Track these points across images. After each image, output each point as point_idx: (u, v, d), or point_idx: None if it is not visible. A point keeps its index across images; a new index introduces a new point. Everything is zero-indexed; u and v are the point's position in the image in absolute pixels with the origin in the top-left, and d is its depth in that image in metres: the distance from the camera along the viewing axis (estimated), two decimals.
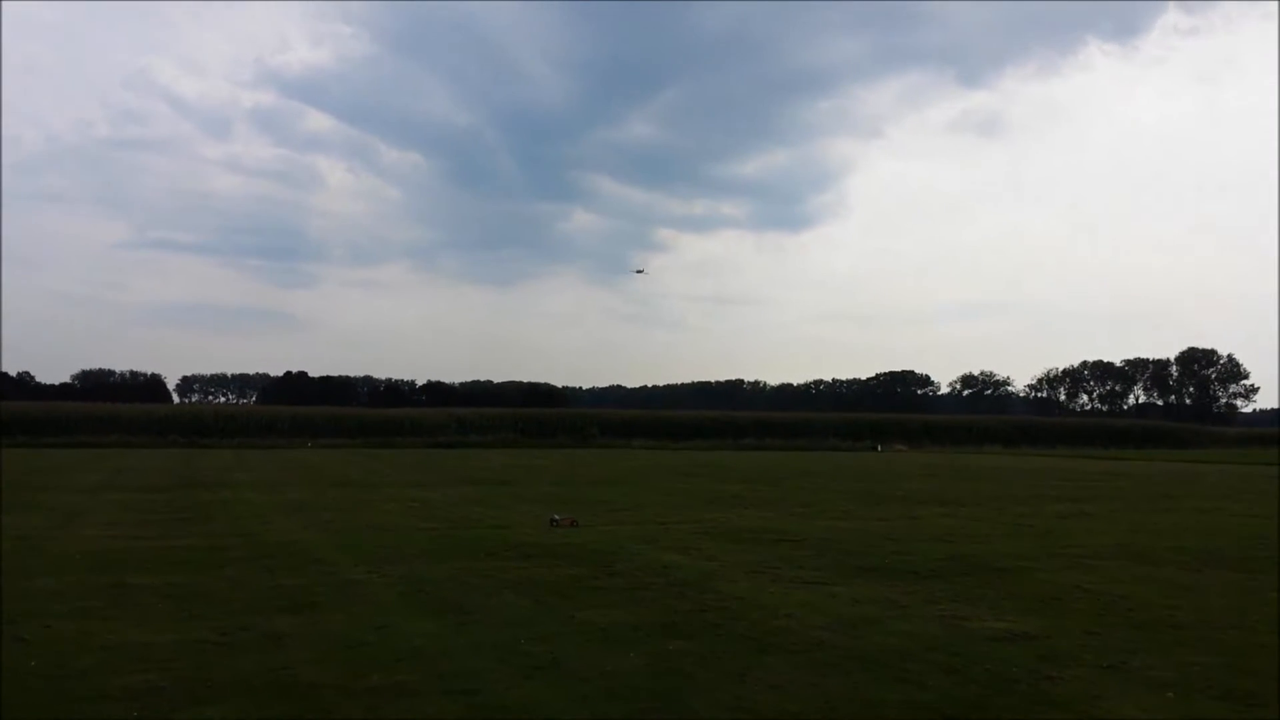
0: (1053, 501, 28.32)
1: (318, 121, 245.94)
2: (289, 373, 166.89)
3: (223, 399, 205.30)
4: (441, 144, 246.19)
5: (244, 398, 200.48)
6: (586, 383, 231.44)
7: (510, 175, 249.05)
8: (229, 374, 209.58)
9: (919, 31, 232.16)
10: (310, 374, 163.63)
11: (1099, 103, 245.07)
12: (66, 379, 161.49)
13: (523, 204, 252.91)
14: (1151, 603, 12.36)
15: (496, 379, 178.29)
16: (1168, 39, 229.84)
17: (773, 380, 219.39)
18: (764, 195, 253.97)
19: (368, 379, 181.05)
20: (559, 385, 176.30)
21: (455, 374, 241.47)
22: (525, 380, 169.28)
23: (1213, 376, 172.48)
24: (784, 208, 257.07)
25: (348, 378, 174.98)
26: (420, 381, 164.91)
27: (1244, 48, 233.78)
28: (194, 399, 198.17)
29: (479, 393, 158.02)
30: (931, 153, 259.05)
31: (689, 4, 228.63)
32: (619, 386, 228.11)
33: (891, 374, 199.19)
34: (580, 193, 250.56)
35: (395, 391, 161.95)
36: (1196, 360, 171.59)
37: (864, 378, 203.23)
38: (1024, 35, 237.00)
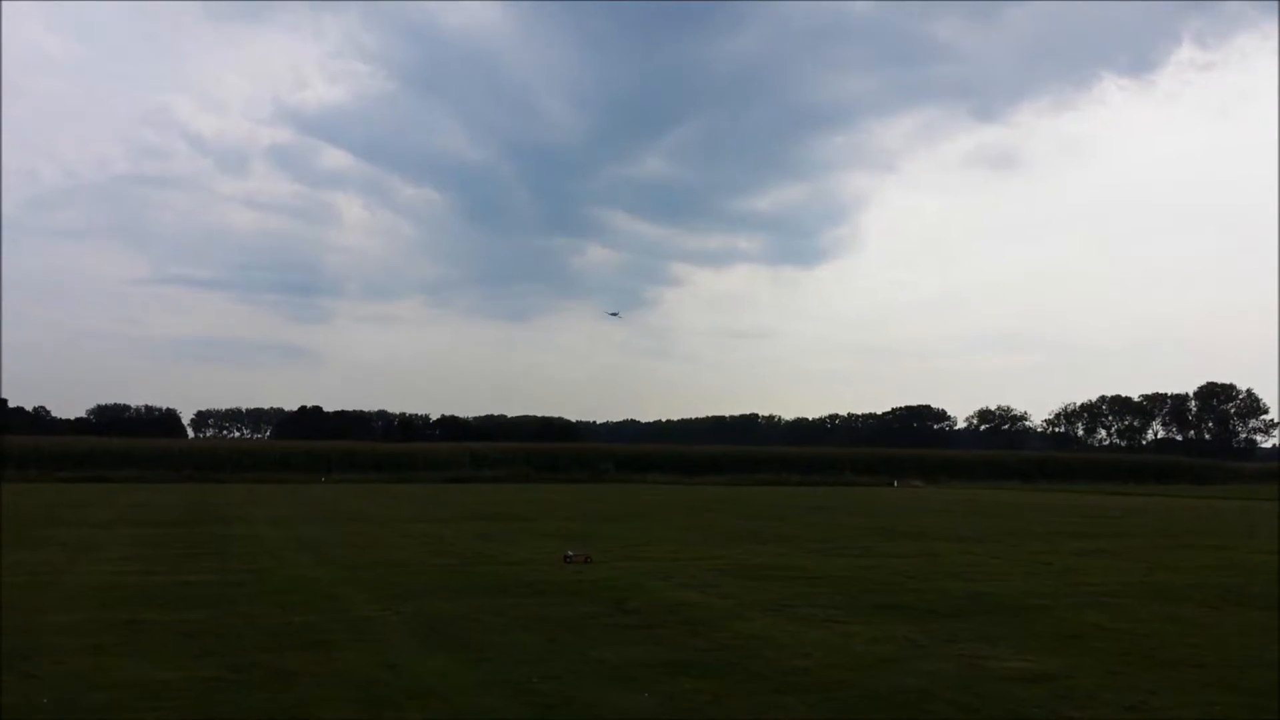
0: (1072, 538, 28.04)
1: (334, 158, 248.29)
2: (304, 407, 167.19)
3: (237, 434, 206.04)
4: (457, 180, 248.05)
5: (258, 432, 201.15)
6: (600, 417, 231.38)
7: (525, 211, 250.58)
8: (244, 408, 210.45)
9: (933, 66, 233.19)
10: (325, 408, 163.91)
11: (1115, 137, 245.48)
12: (82, 414, 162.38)
13: (537, 239, 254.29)
14: (1172, 641, 12.17)
15: (511, 413, 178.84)
16: (1183, 74, 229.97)
17: (788, 414, 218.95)
18: (778, 229, 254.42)
19: (382, 414, 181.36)
20: (573, 420, 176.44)
21: (469, 409, 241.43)
22: (539, 415, 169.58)
23: (1232, 411, 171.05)
24: (799, 242, 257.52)
25: (362, 412, 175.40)
26: (434, 416, 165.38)
27: (1259, 82, 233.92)
28: (208, 433, 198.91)
29: (493, 427, 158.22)
30: (946, 187, 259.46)
31: (702, 41, 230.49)
32: (633, 421, 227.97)
33: (908, 408, 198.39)
34: (594, 228, 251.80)
35: (409, 426, 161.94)
36: (1215, 395, 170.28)
37: (880, 412, 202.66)
38: (1039, 70, 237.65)
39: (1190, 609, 14.84)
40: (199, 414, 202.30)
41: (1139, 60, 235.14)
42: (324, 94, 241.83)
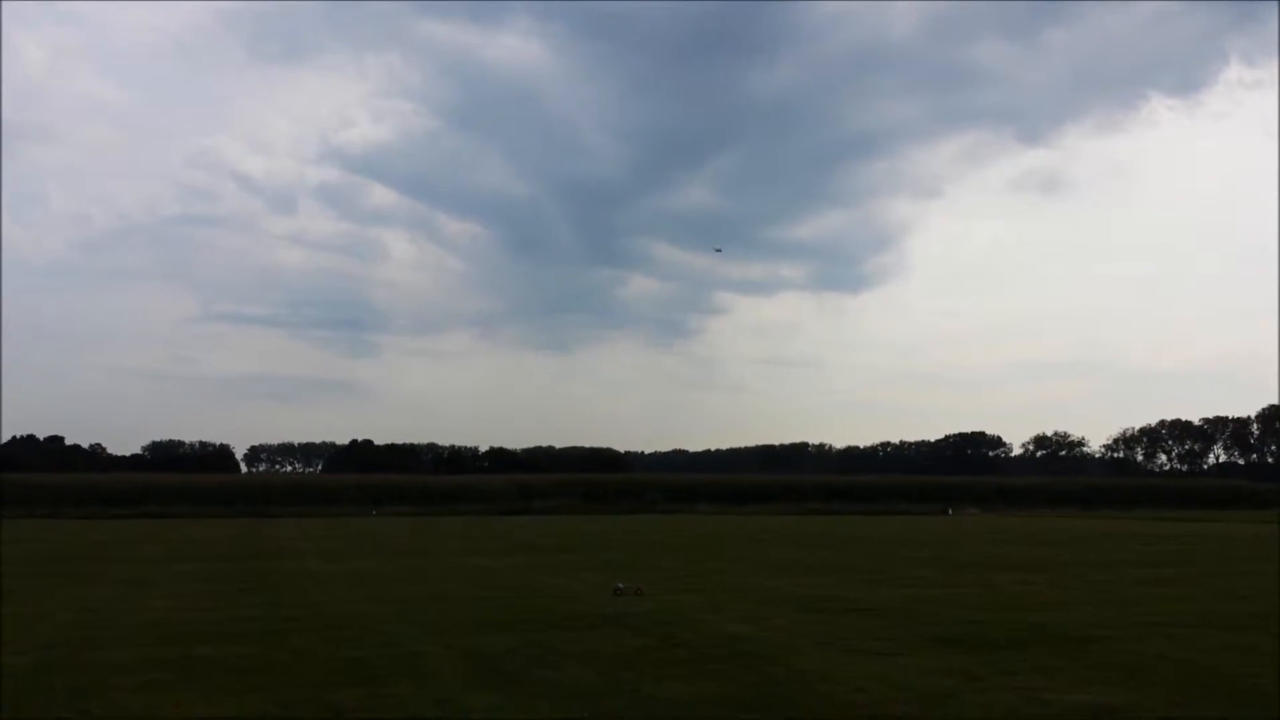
0: (1132, 566, 27.42)
1: (381, 195, 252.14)
2: (354, 441, 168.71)
3: (289, 468, 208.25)
4: (501, 214, 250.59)
5: (310, 466, 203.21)
6: (649, 447, 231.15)
7: (568, 243, 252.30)
8: (295, 443, 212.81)
9: (975, 91, 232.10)
10: (375, 442, 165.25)
11: (1164, 158, 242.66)
12: (137, 450, 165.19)
13: (581, 271, 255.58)
14: (1237, 672, 11.78)
15: (559, 445, 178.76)
16: (1232, 93, 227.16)
17: (838, 443, 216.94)
18: (822, 257, 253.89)
19: (431, 446, 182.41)
20: (621, 450, 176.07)
21: (518, 440, 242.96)
22: (587, 446, 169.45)
23: None
24: (843, 269, 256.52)
25: (412, 445, 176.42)
26: (483, 448, 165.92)
27: None
28: (261, 468, 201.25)
29: (541, 459, 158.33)
30: (993, 212, 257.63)
31: (742, 70, 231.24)
32: (681, 451, 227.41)
33: (961, 435, 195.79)
34: (638, 258, 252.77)
35: (458, 459, 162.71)
36: (1278, 418, 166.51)
37: (933, 440, 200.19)
38: (1084, 92, 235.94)
39: (1254, 637, 14.39)
40: (251, 449, 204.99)
41: (1186, 80, 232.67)
42: (369, 132, 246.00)
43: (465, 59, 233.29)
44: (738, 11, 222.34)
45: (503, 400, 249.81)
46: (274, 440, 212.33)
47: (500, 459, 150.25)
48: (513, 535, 44.02)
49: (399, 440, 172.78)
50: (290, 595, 20.38)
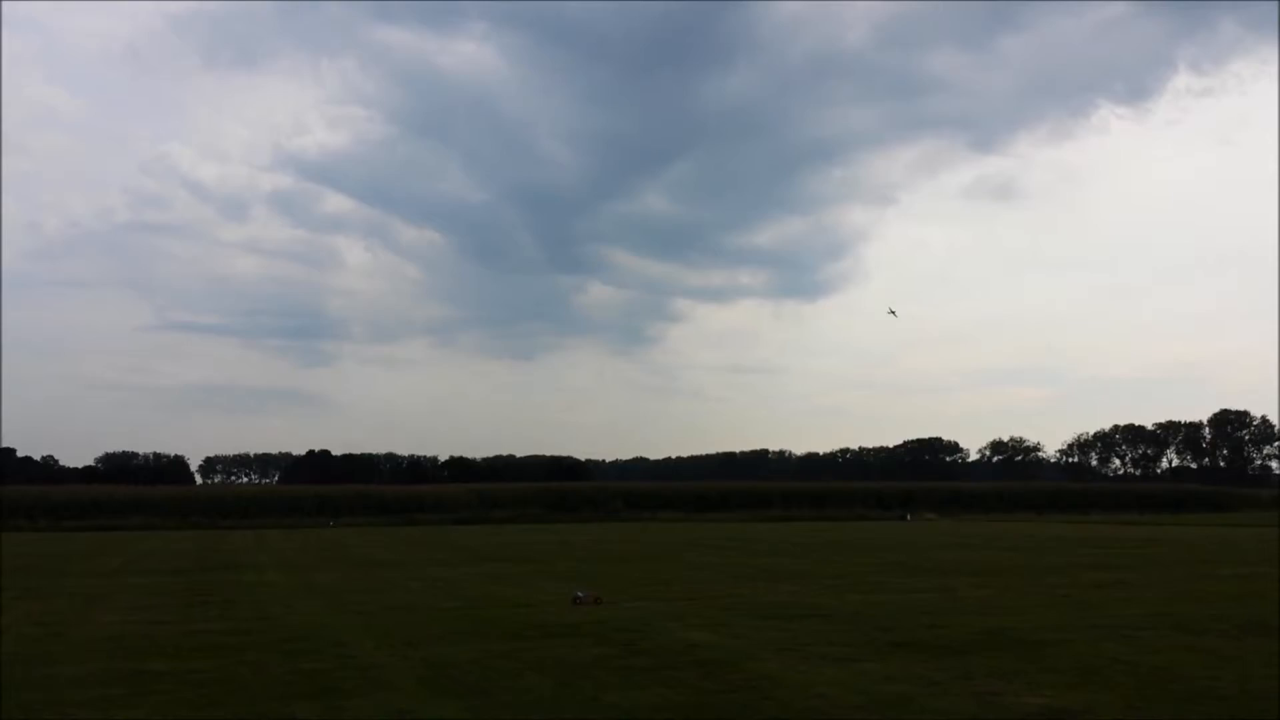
0: (1088, 570, 27.74)
1: (336, 202, 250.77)
2: (311, 451, 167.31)
3: (245, 479, 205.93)
4: (458, 221, 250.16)
5: (266, 477, 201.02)
6: (610, 455, 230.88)
7: (527, 250, 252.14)
8: (251, 454, 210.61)
9: (930, 99, 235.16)
10: (332, 452, 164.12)
11: (1115, 166, 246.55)
12: (90, 462, 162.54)
13: (540, 278, 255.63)
14: (1193, 674, 11.95)
15: (519, 453, 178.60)
16: (1180, 101, 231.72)
17: (798, 450, 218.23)
18: (781, 264, 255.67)
19: (390, 456, 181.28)
20: (582, 458, 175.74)
21: (478, 449, 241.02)
22: (548, 454, 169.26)
23: (1246, 438, 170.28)
24: (801, 276, 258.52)
25: (370, 455, 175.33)
26: (443, 457, 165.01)
27: (1258, 108, 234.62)
28: (216, 480, 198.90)
29: (502, 467, 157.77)
30: (948, 219, 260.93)
31: (699, 78, 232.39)
32: (642, 459, 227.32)
33: (919, 441, 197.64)
34: (597, 265, 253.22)
35: (417, 468, 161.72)
36: (1229, 422, 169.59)
37: (891, 446, 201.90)
38: (1036, 100, 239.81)
39: (1211, 640, 14.60)
40: (207, 460, 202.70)
41: (1135, 88, 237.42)
42: (324, 139, 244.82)
43: (421, 65, 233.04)
44: (694, 19, 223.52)
45: (462, 409, 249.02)
46: (229, 451, 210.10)
47: (460, 468, 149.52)
48: (473, 545, 43.78)
49: (357, 450, 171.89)
50: (247, 608, 20.13)
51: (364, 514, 76.93)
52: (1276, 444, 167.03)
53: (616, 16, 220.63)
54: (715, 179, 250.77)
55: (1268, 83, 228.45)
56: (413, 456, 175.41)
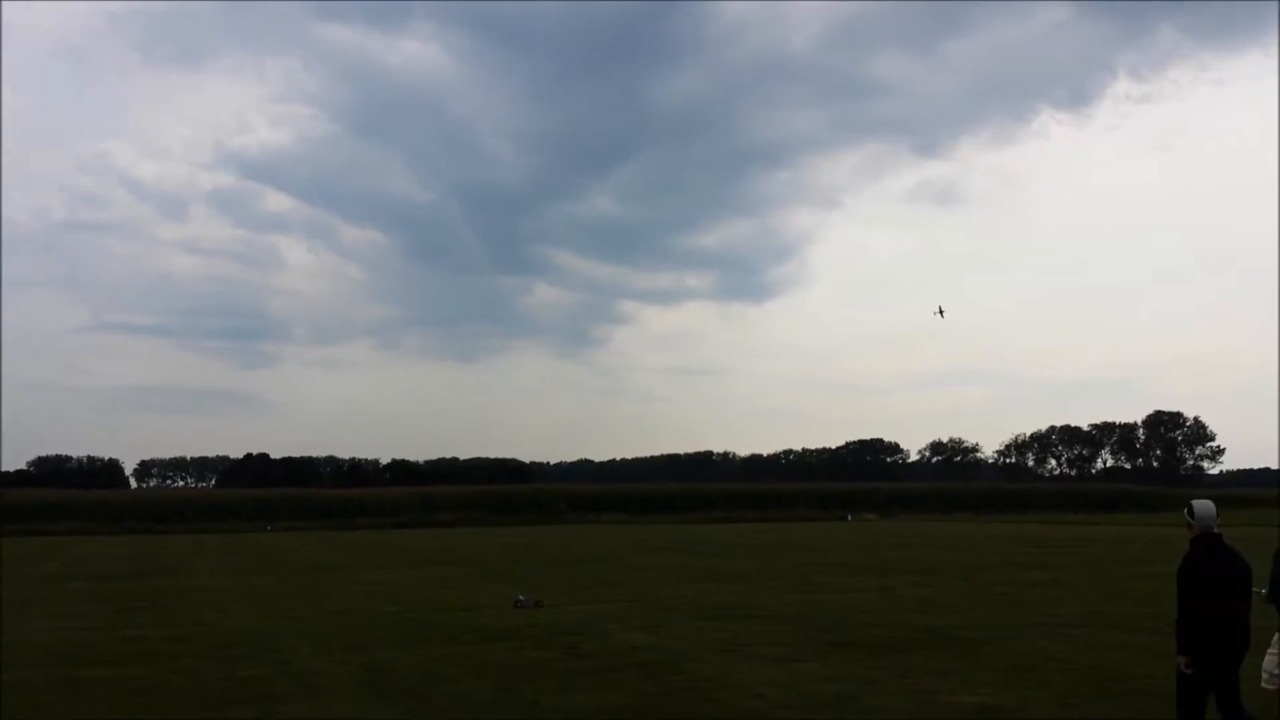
0: (1024, 569, 28.20)
1: (277, 201, 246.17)
2: (249, 454, 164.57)
3: (182, 483, 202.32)
4: (403, 221, 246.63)
5: (203, 481, 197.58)
6: (554, 457, 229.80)
7: (472, 251, 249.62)
8: (188, 457, 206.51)
9: (874, 102, 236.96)
10: (271, 455, 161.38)
11: (1055, 171, 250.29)
12: (22, 465, 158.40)
13: (485, 279, 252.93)
14: (1127, 671, 12.18)
15: (463, 456, 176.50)
16: (1120, 107, 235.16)
17: (742, 451, 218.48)
18: (727, 266, 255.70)
19: (331, 459, 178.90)
20: (526, 461, 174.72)
21: (420, 452, 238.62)
22: (492, 456, 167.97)
23: (1179, 439, 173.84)
24: (747, 278, 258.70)
25: (310, 458, 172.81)
26: (385, 460, 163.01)
27: (1196, 114, 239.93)
28: (152, 484, 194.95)
29: (445, 470, 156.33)
30: (891, 222, 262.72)
31: (646, 79, 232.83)
32: (587, 461, 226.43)
33: (861, 442, 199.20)
34: (543, 267, 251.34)
35: (359, 471, 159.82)
36: (1163, 423, 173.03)
37: (834, 447, 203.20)
38: (978, 105, 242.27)
39: (1144, 638, 14.88)
40: (142, 464, 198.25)
41: (1076, 94, 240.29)
42: (266, 137, 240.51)
43: (366, 63, 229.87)
44: (642, 19, 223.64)
45: (405, 411, 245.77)
46: (165, 454, 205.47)
47: (402, 471, 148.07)
48: (414, 548, 43.44)
49: (297, 453, 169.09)
50: (182, 614, 19.79)
51: (304, 518, 76.02)
52: (1208, 445, 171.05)
53: (564, 16, 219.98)
54: (662, 180, 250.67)
55: (1206, 89, 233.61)
56: (354, 459, 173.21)
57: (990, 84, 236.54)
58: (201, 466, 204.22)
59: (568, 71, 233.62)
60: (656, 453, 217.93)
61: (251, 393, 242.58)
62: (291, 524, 72.28)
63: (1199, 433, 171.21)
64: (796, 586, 23.72)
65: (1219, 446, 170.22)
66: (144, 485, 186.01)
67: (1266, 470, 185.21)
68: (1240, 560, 7.69)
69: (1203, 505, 7.91)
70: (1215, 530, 7.79)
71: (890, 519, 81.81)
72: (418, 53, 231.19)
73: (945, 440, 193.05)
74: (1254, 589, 7.77)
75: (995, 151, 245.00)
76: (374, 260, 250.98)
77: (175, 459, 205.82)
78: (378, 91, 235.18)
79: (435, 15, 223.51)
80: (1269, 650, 8.59)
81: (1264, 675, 8.58)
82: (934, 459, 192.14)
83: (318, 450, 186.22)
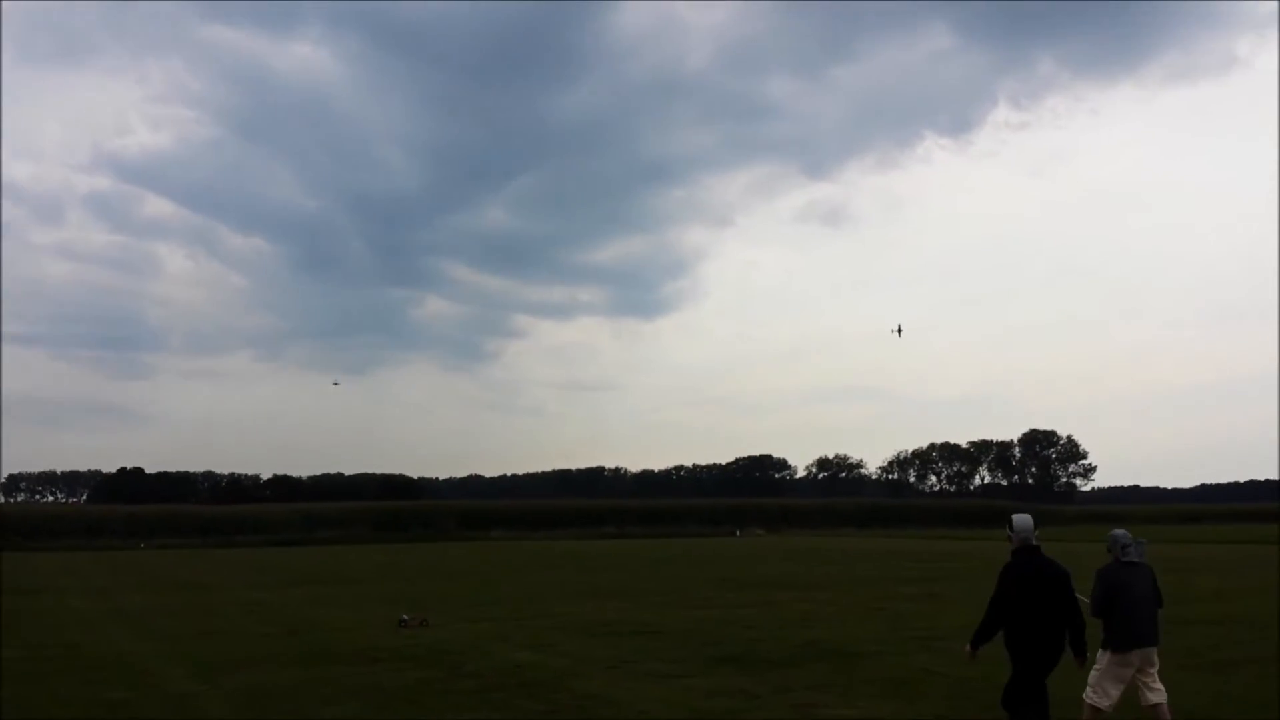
0: (904, 583, 28.85)
1: (157, 206, 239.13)
2: (123, 469, 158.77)
3: (51, 498, 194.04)
4: (288, 229, 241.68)
5: (74, 496, 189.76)
6: (443, 473, 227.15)
7: (361, 261, 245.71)
8: (58, 471, 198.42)
9: (766, 124, 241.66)
10: (146, 470, 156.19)
11: (937, 194, 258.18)
12: None
13: (374, 290, 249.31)
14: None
15: (348, 471, 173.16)
16: (999, 134, 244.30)
17: (634, 467, 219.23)
18: (620, 282, 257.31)
19: (209, 474, 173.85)
20: (414, 476, 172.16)
21: (303, 467, 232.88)
22: (379, 472, 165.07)
23: (1053, 457, 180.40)
24: (640, 294, 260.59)
25: (187, 473, 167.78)
26: (265, 476, 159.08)
27: (1072, 141, 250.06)
28: (19, 499, 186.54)
29: (329, 486, 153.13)
30: (781, 241, 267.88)
31: (541, 93, 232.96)
32: (478, 476, 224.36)
33: (750, 458, 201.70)
34: (434, 279, 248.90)
35: (238, 487, 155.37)
36: (1037, 441, 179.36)
37: (724, 463, 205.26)
38: (865, 129, 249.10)
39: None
40: (10, 478, 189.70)
41: (958, 120, 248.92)
42: (146, 140, 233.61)
43: (253, 67, 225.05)
44: (538, 32, 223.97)
45: (287, 425, 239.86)
46: (34, 468, 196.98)
47: (284, 487, 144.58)
48: (295, 567, 42.42)
49: (173, 468, 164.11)
50: (48, 635, 18.96)
51: (179, 535, 73.71)
52: (1081, 462, 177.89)
53: (459, 26, 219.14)
54: (557, 194, 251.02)
55: (1081, 118, 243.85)
56: (233, 475, 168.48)
57: (877, 109, 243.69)
58: (72, 481, 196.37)
59: (463, 81, 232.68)
60: (548, 468, 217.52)
61: (126, 404, 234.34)
62: (167, 541, 69.95)
63: (1072, 451, 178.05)
64: (683, 602, 23.86)
65: (1090, 464, 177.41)
66: (11, 500, 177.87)
67: (1135, 488, 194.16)
68: (1058, 569, 8.27)
69: (1021, 519, 8.53)
70: (1034, 542, 8.40)
71: (778, 534, 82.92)
72: (307, 56, 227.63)
73: (831, 457, 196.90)
74: (1080, 596, 8.33)
75: (881, 174, 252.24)
76: (257, 269, 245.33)
77: (45, 473, 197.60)
78: (265, 95, 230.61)
79: (325, 19, 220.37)
80: (1094, 665, 8.96)
81: (1089, 695, 8.97)
82: (820, 475, 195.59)
83: (195, 465, 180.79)
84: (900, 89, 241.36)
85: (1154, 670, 8.91)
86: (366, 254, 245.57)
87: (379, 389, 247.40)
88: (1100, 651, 8.88)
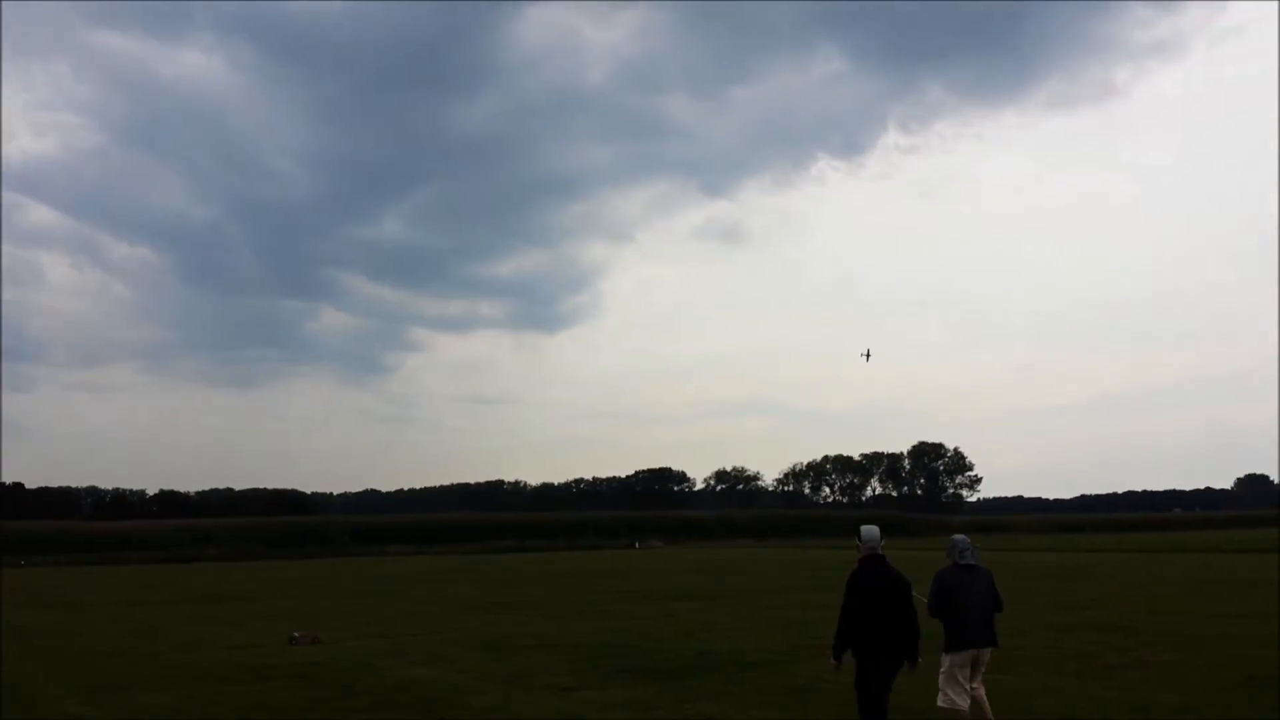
0: (799, 593, 29.30)
1: (39, 214, 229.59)
2: (1, 484, 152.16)
3: None
4: (177, 239, 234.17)
5: None
6: (338, 488, 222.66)
7: (252, 272, 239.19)
8: None
9: (665, 142, 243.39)
10: (26, 485, 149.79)
11: (830, 213, 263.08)
12: None
13: (266, 302, 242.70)
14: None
15: (239, 486, 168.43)
16: (889, 156, 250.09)
17: (534, 480, 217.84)
18: (521, 296, 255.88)
19: (92, 490, 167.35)
20: (308, 492, 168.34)
21: (192, 482, 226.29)
22: (270, 487, 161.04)
23: (941, 468, 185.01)
24: (541, 308, 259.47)
25: (69, 489, 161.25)
26: (152, 491, 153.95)
27: (959, 165, 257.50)
28: None
29: (219, 502, 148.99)
30: (680, 258, 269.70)
31: (440, 105, 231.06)
32: (374, 491, 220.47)
33: (650, 471, 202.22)
34: (330, 291, 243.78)
35: (123, 503, 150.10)
36: (926, 454, 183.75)
37: (623, 475, 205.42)
38: (761, 149, 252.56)
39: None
40: None
41: (850, 143, 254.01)
42: (29, 146, 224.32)
43: (142, 73, 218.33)
44: (437, 44, 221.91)
45: (175, 439, 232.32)
46: None
47: (171, 502, 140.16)
48: (183, 585, 41.20)
49: (54, 483, 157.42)
50: None
51: (61, 552, 70.87)
52: (967, 474, 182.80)
53: (355, 36, 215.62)
54: (457, 207, 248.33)
55: (967, 143, 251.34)
56: (118, 490, 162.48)
57: (773, 130, 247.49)
58: None
59: (360, 91, 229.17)
60: (447, 482, 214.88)
61: (6, 417, 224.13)
62: (47, 559, 67.23)
63: (959, 462, 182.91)
64: (581, 615, 23.87)
65: (976, 475, 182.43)
66: None
67: (1019, 498, 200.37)
68: (900, 577, 8.81)
69: (868, 530, 9.08)
70: (879, 551, 8.94)
71: (677, 546, 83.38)
72: (198, 64, 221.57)
73: (729, 469, 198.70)
74: (919, 597, 8.89)
75: (777, 194, 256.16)
76: (144, 279, 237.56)
77: None
78: (153, 103, 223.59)
79: (217, 26, 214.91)
80: (940, 670, 9.31)
81: (941, 697, 9.31)
82: (719, 487, 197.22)
83: (78, 480, 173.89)
84: (795, 111, 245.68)
85: (982, 671, 9.33)
86: (258, 265, 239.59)
87: (271, 402, 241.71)
88: (942, 654, 9.24)
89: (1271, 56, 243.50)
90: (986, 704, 9.32)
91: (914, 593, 8.81)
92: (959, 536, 9.52)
